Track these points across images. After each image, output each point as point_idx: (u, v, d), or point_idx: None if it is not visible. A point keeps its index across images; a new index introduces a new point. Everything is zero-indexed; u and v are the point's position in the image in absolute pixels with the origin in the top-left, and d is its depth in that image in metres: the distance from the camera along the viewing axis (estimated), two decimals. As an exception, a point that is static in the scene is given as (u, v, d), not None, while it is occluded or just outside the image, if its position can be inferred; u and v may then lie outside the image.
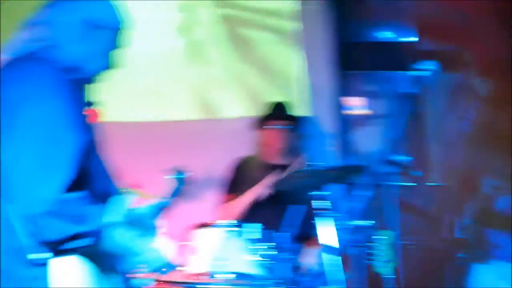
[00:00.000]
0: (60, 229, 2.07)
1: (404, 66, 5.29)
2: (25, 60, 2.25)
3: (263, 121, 4.79)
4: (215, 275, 3.73)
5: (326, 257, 3.63)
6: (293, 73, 5.33)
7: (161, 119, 5.30)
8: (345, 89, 5.38)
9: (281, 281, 3.67)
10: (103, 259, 2.32)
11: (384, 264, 3.93)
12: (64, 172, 2.10)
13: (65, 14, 2.41)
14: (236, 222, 3.91)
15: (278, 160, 4.73)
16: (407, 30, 5.36)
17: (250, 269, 3.76)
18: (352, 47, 5.41)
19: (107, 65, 2.49)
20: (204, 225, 3.89)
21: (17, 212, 2.09)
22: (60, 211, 2.07)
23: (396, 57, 5.35)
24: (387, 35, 5.41)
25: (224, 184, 4.73)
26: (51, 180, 2.07)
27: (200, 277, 3.75)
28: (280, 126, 4.72)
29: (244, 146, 5.11)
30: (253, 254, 3.76)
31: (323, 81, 5.29)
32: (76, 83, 2.32)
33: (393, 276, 3.90)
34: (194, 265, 3.76)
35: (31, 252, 2.11)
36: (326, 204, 3.68)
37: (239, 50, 5.34)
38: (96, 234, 2.14)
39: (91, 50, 2.42)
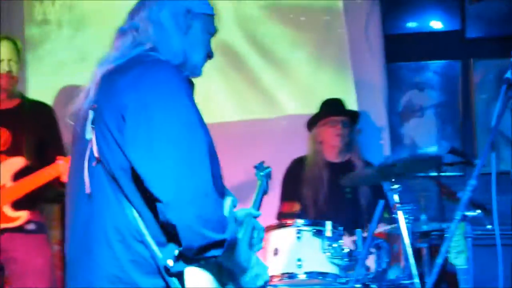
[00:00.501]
0: (205, 235, 1.98)
1: (449, 55, 5.30)
2: (144, 63, 2.16)
3: (320, 118, 4.67)
4: (293, 276, 3.69)
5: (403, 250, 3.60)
6: (340, 69, 5.23)
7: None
8: (392, 82, 5.30)
9: (358, 278, 3.61)
10: (228, 272, 2.26)
11: (457, 254, 3.88)
12: (206, 172, 2.02)
13: (166, 9, 2.32)
14: (308, 221, 3.84)
15: (336, 158, 4.66)
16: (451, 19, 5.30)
17: (326, 267, 3.72)
18: (397, 38, 5.34)
19: (206, 56, 2.41)
20: (279, 226, 3.84)
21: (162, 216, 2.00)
22: (207, 216, 1.99)
23: (441, 47, 5.31)
24: (432, 25, 5.35)
25: (283, 187, 4.66)
26: (196, 182, 1.99)
27: (279, 279, 3.71)
28: (338, 122, 4.61)
29: (296, 145, 5.07)
30: (328, 252, 3.71)
31: (370, 74, 5.21)
32: (188, 81, 2.25)
33: (466, 267, 3.85)
34: (273, 267, 3.71)
35: (166, 259, 2.04)
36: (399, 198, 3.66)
37: (282, 47, 5.26)
38: (231, 244, 2.08)
39: (193, 41, 2.34)
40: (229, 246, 2.05)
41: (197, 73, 2.35)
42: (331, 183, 4.52)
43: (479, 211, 2.61)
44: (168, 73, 2.13)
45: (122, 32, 2.33)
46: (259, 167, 3.07)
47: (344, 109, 4.71)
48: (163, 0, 2.33)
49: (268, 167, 3.13)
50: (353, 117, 4.71)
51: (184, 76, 2.20)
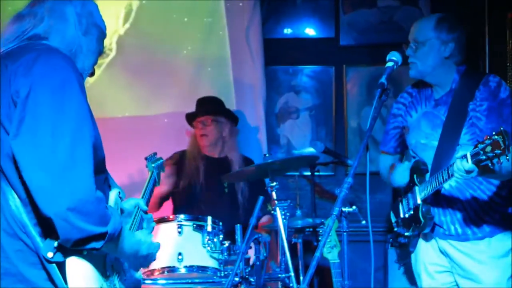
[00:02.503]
0: (83, 228, 1.92)
1: (324, 61, 5.42)
2: (36, 51, 2.07)
3: (194, 115, 4.73)
4: (174, 270, 3.65)
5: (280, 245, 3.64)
6: (220, 69, 5.23)
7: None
8: (270, 84, 5.36)
9: (237, 272, 3.62)
10: (116, 262, 2.21)
11: (330, 249, 3.98)
12: (87, 167, 1.97)
13: (72, 5, 2.25)
14: (189, 216, 3.81)
15: (212, 153, 4.69)
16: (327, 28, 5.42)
17: (206, 261, 3.70)
18: (276, 43, 5.40)
19: (91, 68, 2.35)
20: (160, 220, 3.78)
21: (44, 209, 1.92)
22: (85, 209, 1.92)
23: (317, 53, 5.42)
24: (307, 32, 5.45)
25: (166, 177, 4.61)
26: (75, 176, 1.92)
27: (160, 272, 3.65)
28: (199, 123, 4.69)
29: (177, 141, 5.04)
30: (208, 246, 3.70)
31: (249, 76, 5.24)
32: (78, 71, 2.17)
33: (338, 261, 3.95)
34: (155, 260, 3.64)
35: (47, 251, 1.98)
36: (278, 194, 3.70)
37: (165, 46, 5.19)
38: (113, 236, 2.02)
39: (89, 46, 2.27)
40: (111, 238, 2.01)
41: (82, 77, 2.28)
42: (207, 176, 4.59)
43: (354, 207, 2.68)
44: (59, 61, 2.07)
45: (19, 16, 2.24)
46: (151, 158, 3.00)
47: (214, 108, 4.73)
48: None
49: (160, 158, 3.07)
50: (225, 115, 4.74)
51: (75, 66, 2.13)
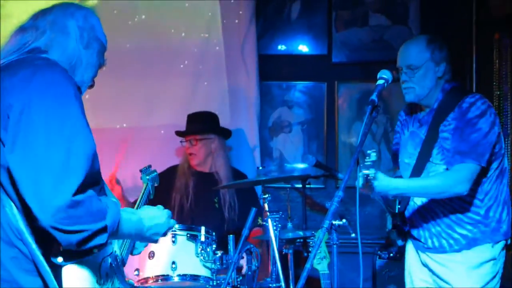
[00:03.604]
0: (80, 230, 1.93)
1: (317, 77, 5.46)
2: (34, 66, 2.09)
3: (185, 131, 4.73)
4: (168, 278, 3.65)
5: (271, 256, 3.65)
6: (216, 84, 5.25)
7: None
8: (264, 98, 5.39)
9: (229, 281, 3.62)
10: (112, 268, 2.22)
11: (320, 260, 4.00)
12: (80, 178, 1.97)
13: (74, 19, 2.27)
14: (183, 226, 3.82)
15: (202, 169, 4.69)
16: (320, 45, 5.45)
17: (199, 270, 3.71)
18: (270, 59, 5.44)
19: (91, 80, 2.36)
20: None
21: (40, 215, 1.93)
22: (76, 213, 1.93)
23: (310, 69, 5.46)
24: (301, 48, 5.48)
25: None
26: (70, 182, 1.94)
27: (154, 280, 3.66)
28: (186, 142, 4.69)
29: (173, 153, 5.06)
30: (201, 256, 3.71)
31: (244, 90, 5.27)
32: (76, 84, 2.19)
33: (327, 272, 3.97)
34: (148, 269, 3.66)
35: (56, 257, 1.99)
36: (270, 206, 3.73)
37: (163, 60, 5.21)
38: (114, 228, 2.04)
39: (89, 59, 2.29)
40: (113, 229, 2.03)
41: (81, 91, 2.29)
42: (197, 190, 4.59)
43: (344, 220, 2.69)
44: (56, 76, 2.08)
45: (22, 29, 2.26)
46: (145, 171, 3.01)
47: (204, 124, 4.72)
48: (73, 12, 2.29)
49: (154, 171, 3.07)
50: (216, 133, 4.74)
51: (73, 80, 2.14)
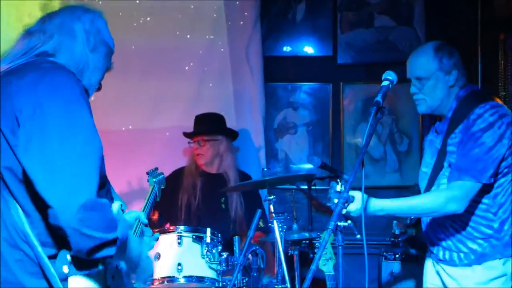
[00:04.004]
0: (95, 236, 1.92)
1: (322, 78, 5.44)
2: (41, 69, 2.08)
3: (192, 133, 4.71)
4: (173, 280, 3.64)
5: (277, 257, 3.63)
6: (221, 85, 5.24)
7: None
8: (269, 100, 5.37)
9: (235, 283, 3.61)
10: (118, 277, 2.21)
11: (325, 261, 3.97)
12: (95, 179, 1.97)
13: (81, 23, 2.26)
14: (189, 227, 3.81)
15: (210, 169, 4.67)
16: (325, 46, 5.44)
17: (205, 272, 3.69)
18: (275, 60, 5.42)
19: (98, 83, 2.35)
20: (161, 231, 3.77)
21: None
22: (94, 218, 1.92)
23: (315, 70, 5.44)
24: (306, 50, 5.47)
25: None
26: (86, 188, 1.93)
27: (160, 282, 3.64)
28: (194, 143, 4.67)
29: (178, 155, 5.05)
30: (207, 257, 3.69)
31: (249, 92, 5.25)
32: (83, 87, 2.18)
33: (333, 273, 3.94)
34: (155, 271, 3.65)
35: (62, 265, 1.97)
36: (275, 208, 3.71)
37: (168, 61, 5.20)
38: (123, 242, 2.02)
39: (96, 63, 2.28)
40: (121, 243, 2.01)
41: (88, 93, 2.29)
42: (204, 191, 4.57)
43: (350, 221, 2.67)
44: (64, 79, 2.07)
45: (29, 32, 2.25)
46: (152, 173, 2.99)
47: (211, 125, 4.71)
48: (80, 15, 2.28)
49: (161, 173, 3.06)
50: (223, 134, 4.72)
51: (80, 83, 2.13)
